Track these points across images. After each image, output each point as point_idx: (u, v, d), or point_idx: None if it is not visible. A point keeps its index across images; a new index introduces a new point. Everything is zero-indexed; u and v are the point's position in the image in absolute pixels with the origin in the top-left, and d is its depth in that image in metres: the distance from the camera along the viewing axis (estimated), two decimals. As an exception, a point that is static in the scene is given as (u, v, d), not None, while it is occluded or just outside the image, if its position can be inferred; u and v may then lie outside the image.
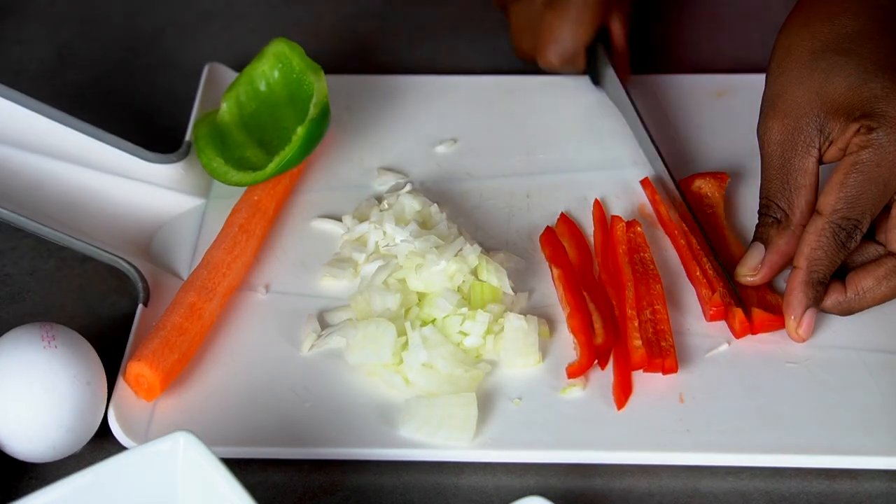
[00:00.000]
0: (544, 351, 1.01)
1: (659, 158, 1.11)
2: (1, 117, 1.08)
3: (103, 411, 0.96)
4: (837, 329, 1.03)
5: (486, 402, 0.98)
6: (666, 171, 1.10)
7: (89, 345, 0.96)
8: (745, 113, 1.19)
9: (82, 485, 0.84)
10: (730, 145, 1.17)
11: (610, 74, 1.18)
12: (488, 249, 1.07)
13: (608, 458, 0.96)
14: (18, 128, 1.08)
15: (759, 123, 1.03)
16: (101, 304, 1.08)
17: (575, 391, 0.99)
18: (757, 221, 1.03)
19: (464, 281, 1.03)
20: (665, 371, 0.99)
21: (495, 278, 1.03)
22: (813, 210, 1.00)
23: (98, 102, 1.26)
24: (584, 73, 1.22)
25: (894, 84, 0.98)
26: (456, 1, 1.35)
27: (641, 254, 1.06)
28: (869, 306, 1.01)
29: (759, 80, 1.21)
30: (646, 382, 0.99)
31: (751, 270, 1.03)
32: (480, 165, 1.16)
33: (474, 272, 1.04)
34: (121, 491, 0.85)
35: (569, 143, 1.18)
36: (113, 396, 0.98)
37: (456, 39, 1.32)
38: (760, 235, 1.02)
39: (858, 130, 0.98)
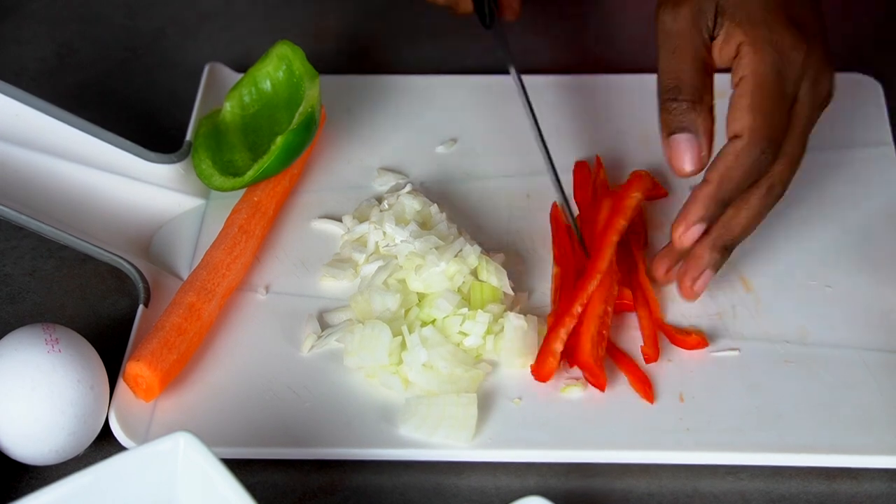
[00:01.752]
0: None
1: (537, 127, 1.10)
2: (2, 115, 1.08)
3: (105, 415, 0.96)
4: (837, 328, 1.03)
5: (486, 402, 0.98)
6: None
7: (92, 348, 0.96)
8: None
9: (82, 485, 0.84)
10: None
11: (496, 22, 1.14)
12: (488, 250, 1.07)
13: (608, 457, 0.96)
14: (19, 125, 1.08)
15: (660, 6, 1.00)
16: (101, 304, 1.08)
17: (575, 391, 0.99)
18: (661, 109, 0.98)
19: (464, 281, 1.03)
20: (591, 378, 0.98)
21: (495, 278, 1.03)
22: (713, 94, 0.97)
23: (98, 102, 1.26)
24: (471, 14, 1.19)
25: (782, 8, 0.97)
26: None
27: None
28: (731, 194, 0.97)
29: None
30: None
31: (693, 161, 0.96)
32: (480, 165, 1.16)
33: (474, 272, 1.04)
34: (121, 491, 0.85)
35: (568, 143, 1.18)
36: (113, 397, 0.98)
37: (456, 39, 1.32)
38: (681, 123, 0.97)
39: (739, 49, 0.96)
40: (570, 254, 1.06)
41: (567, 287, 1.04)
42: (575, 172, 1.14)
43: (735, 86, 0.97)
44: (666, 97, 0.97)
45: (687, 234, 0.97)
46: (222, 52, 1.30)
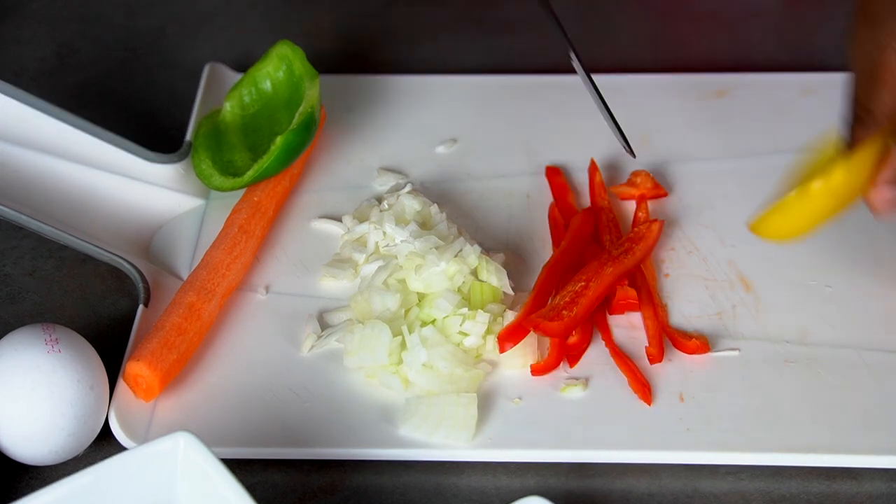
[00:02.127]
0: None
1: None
2: (2, 115, 1.08)
3: (105, 415, 0.96)
4: (838, 328, 1.03)
5: (486, 402, 0.98)
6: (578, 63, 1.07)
7: (92, 348, 0.96)
8: (745, 113, 1.19)
9: (82, 485, 0.84)
10: (729, 145, 1.17)
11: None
12: (488, 250, 1.07)
13: (608, 457, 0.96)
14: (19, 126, 1.08)
15: (847, 41, 0.99)
16: (101, 304, 1.08)
17: (575, 391, 0.99)
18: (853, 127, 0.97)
19: (464, 281, 1.03)
20: (538, 329, 0.98)
21: (495, 278, 1.03)
22: None
23: (98, 102, 1.26)
24: None
25: None
26: (456, 1, 1.35)
27: (634, 244, 1.06)
28: None
29: (759, 79, 1.22)
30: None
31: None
32: (480, 165, 1.16)
33: (474, 272, 1.04)
34: (121, 491, 0.85)
35: (569, 143, 1.18)
36: (113, 397, 0.98)
37: (456, 39, 1.32)
38: (849, 138, 0.96)
39: None
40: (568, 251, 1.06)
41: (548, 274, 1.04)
42: (549, 177, 1.14)
43: None
44: (846, 124, 0.97)
45: (879, 198, 0.96)
46: (222, 52, 1.30)
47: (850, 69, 0.98)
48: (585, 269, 1.03)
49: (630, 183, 1.12)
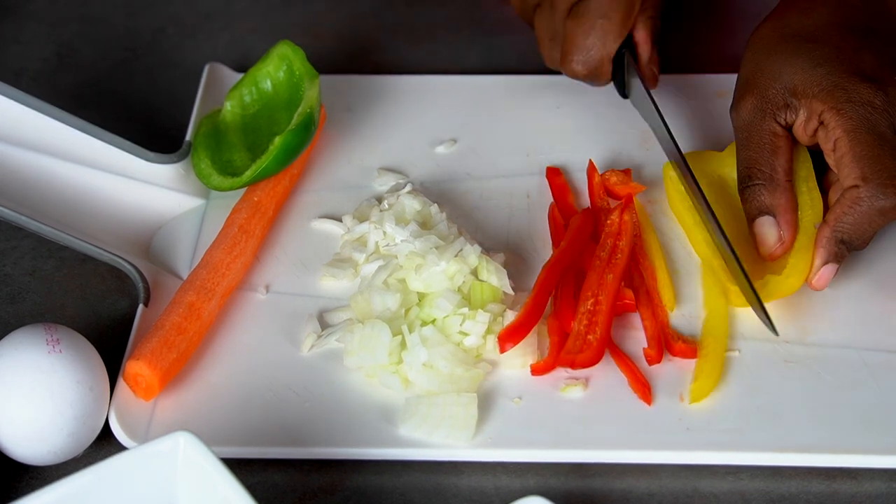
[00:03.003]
0: (544, 350, 1.01)
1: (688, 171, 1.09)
2: (2, 116, 1.08)
3: (105, 415, 0.96)
4: (838, 328, 1.03)
5: (486, 402, 0.98)
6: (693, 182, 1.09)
7: (93, 348, 0.96)
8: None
9: (82, 485, 0.84)
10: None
11: (636, 85, 1.14)
12: (488, 249, 1.07)
13: (608, 457, 0.96)
14: (19, 126, 1.08)
15: (731, 106, 1.05)
16: (101, 304, 1.08)
17: (575, 390, 0.99)
18: (741, 198, 1.03)
19: (464, 281, 1.03)
20: (575, 365, 0.98)
21: (495, 278, 1.03)
22: (790, 172, 1.02)
23: (98, 102, 1.26)
24: (610, 82, 1.17)
25: (850, 70, 1.01)
26: (456, 1, 1.35)
27: (616, 241, 1.06)
28: (850, 236, 1.00)
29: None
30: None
31: (774, 242, 1.02)
32: (480, 165, 1.16)
33: (474, 272, 1.04)
34: (121, 491, 0.85)
35: (569, 143, 1.18)
36: (113, 397, 0.98)
37: (456, 39, 1.32)
38: (757, 207, 1.02)
39: (822, 117, 1.00)
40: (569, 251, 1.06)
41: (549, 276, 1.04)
42: (549, 178, 1.14)
43: (832, 150, 1.01)
44: (741, 186, 1.03)
45: (816, 279, 1.02)
46: (222, 52, 1.30)
47: (737, 137, 1.04)
48: (588, 284, 1.02)
49: (610, 183, 1.12)
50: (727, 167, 1.10)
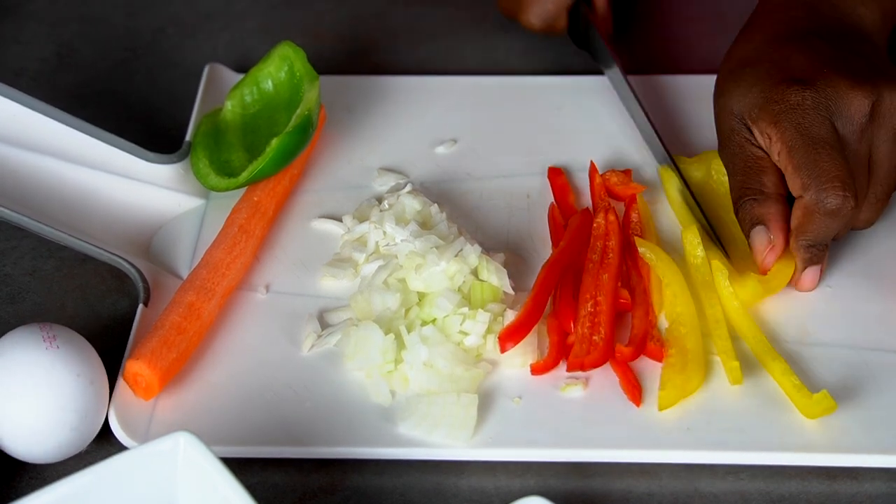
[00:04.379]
0: (543, 350, 1.01)
1: (648, 123, 1.13)
2: (1, 116, 1.08)
3: (105, 411, 0.96)
4: (838, 328, 1.03)
5: (486, 401, 0.98)
6: (656, 138, 1.12)
7: (89, 344, 0.96)
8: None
9: (82, 485, 0.84)
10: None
11: (594, 34, 1.18)
12: (488, 249, 1.07)
13: (608, 457, 0.96)
14: (19, 127, 1.08)
15: (718, 150, 1.08)
16: (101, 304, 1.08)
17: (575, 390, 0.99)
18: (738, 219, 1.04)
19: (464, 281, 1.03)
20: (585, 367, 0.98)
21: (495, 278, 1.03)
22: (782, 186, 1.03)
23: (98, 102, 1.26)
24: (565, 34, 1.23)
25: (780, 79, 1.03)
26: (456, 1, 1.35)
27: (605, 242, 1.06)
28: (817, 238, 1.02)
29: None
30: (646, 381, 0.99)
31: (767, 252, 1.03)
32: (480, 165, 1.16)
33: (474, 272, 1.04)
34: (121, 491, 0.85)
35: (569, 143, 1.18)
36: (113, 396, 0.98)
37: (456, 39, 1.32)
38: (750, 219, 1.03)
39: (768, 132, 1.02)
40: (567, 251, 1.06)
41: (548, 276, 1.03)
42: (551, 178, 1.14)
43: (777, 161, 1.03)
44: (736, 208, 1.05)
45: (802, 283, 1.04)
46: (222, 52, 1.30)
47: (727, 170, 1.06)
48: (585, 287, 1.02)
49: (610, 184, 1.12)
50: (698, 171, 1.12)
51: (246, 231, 1.08)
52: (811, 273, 1.03)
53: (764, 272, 1.03)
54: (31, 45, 1.32)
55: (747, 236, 1.04)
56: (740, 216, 1.04)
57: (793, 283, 1.04)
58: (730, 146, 1.05)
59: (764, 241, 1.03)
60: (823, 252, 1.03)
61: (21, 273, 1.10)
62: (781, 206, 1.03)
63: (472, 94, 1.23)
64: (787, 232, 1.03)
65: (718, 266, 1.03)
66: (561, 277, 1.04)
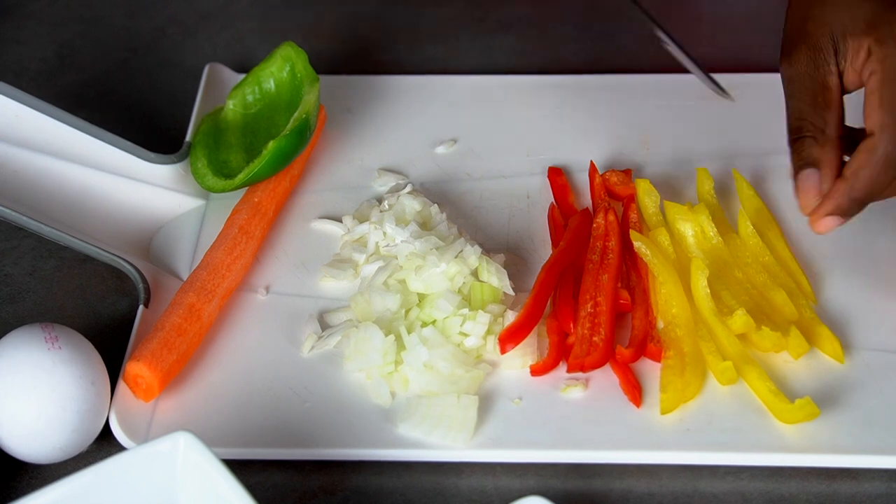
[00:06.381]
0: (543, 351, 1.01)
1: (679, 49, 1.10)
2: (2, 116, 1.08)
3: (107, 412, 0.96)
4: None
5: (486, 402, 0.98)
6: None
7: (91, 345, 0.96)
8: (745, 113, 1.19)
9: (82, 485, 0.84)
10: (730, 145, 1.17)
11: None
12: (488, 250, 1.07)
13: (608, 457, 0.96)
14: (19, 126, 1.08)
15: (781, 58, 1.02)
16: (101, 304, 1.08)
17: (575, 391, 0.99)
18: (790, 150, 1.00)
19: (464, 282, 1.03)
20: (585, 369, 0.98)
21: (496, 279, 1.03)
22: (842, 127, 0.99)
23: (98, 102, 1.26)
24: None
25: (891, 5, 0.98)
26: (456, 1, 1.35)
27: (605, 242, 1.06)
28: (865, 191, 0.97)
29: (760, 79, 1.22)
30: (646, 381, 0.99)
31: (815, 195, 0.98)
32: (480, 166, 1.16)
33: (475, 273, 1.04)
34: (121, 491, 0.85)
35: (569, 143, 1.18)
36: (114, 398, 0.98)
37: (456, 39, 1.32)
38: (805, 159, 0.99)
39: (869, 50, 0.97)
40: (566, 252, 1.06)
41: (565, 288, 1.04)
42: (551, 178, 1.14)
43: (866, 83, 0.98)
44: (791, 138, 0.99)
45: (819, 224, 0.98)
46: (222, 52, 1.30)
47: (787, 88, 1.00)
48: (585, 288, 1.02)
49: (610, 184, 1.12)
50: (686, 222, 1.09)
51: (246, 232, 1.08)
52: (833, 221, 0.98)
53: (804, 213, 0.99)
54: (32, 46, 1.32)
55: (796, 171, 0.99)
56: (794, 149, 0.99)
57: (810, 216, 0.99)
58: (802, 63, 1.00)
59: (814, 186, 0.98)
60: (858, 210, 0.98)
61: (21, 273, 1.10)
62: (838, 153, 0.99)
63: (472, 94, 1.23)
64: (836, 179, 0.98)
65: (699, 264, 1.02)
66: (561, 278, 1.04)
